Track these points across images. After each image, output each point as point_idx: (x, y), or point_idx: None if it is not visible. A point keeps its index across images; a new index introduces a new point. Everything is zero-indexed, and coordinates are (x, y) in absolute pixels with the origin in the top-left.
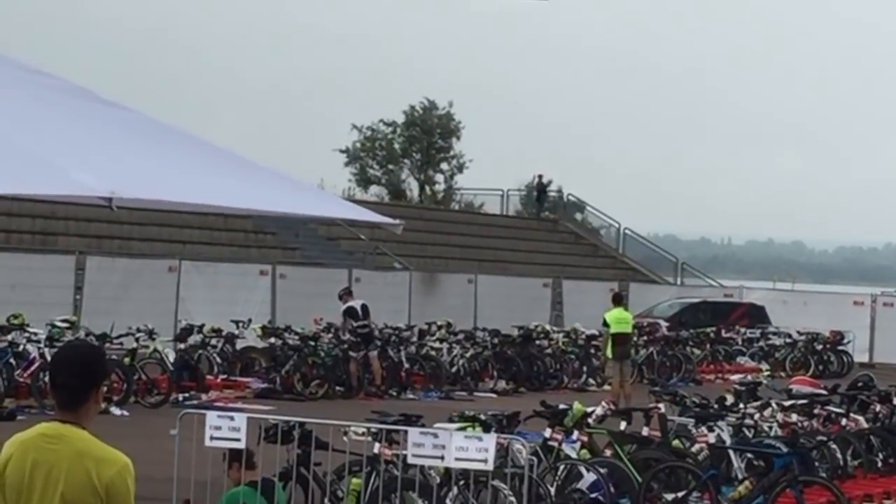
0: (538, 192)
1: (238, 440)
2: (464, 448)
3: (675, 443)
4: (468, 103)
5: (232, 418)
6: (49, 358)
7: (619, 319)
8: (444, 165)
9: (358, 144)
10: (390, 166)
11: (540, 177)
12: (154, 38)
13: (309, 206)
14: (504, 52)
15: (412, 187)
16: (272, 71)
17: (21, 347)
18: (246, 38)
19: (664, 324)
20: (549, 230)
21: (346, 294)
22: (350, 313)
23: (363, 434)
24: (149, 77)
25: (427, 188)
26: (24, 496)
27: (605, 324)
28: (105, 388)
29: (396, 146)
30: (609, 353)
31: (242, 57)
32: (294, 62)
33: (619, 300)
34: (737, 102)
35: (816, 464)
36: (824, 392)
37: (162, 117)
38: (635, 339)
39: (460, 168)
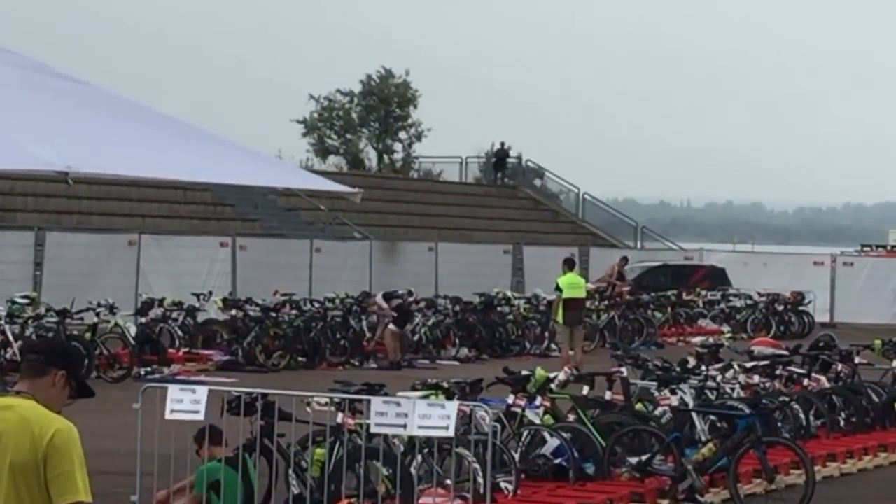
0: (497, 159)
1: (198, 412)
2: (427, 416)
3: (638, 406)
4: (425, 72)
5: (194, 391)
6: (10, 334)
7: (572, 284)
8: (402, 134)
9: (315, 115)
10: (348, 136)
11: (502, 144)
12: (102, 7)
13: (268, 176)
14: (461, 20)
15: (370, 157)
16: (227, 42)
17: None
18: (200, 9)
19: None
20: (508, 197)
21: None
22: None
23: (326, 404)
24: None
25: (385, 157)
26: None
27: (558, 288)
28: (66, 379)
29: (354, 116)
30: (560, 318)
31: (197, 28)
32: (250, 34)
33: (571, 265)
34: (694, 64)
35: (779, 424)
36: (786, 353)
37: (114, 90)
38: (596, 303)
39: (418, 137)
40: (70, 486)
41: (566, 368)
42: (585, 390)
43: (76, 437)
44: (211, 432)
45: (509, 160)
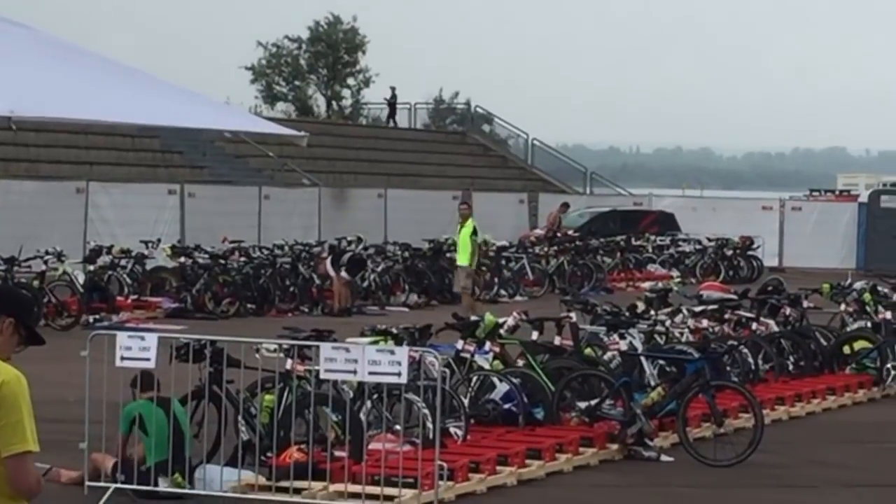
0: (389, 106)
1: (149, 360)
2: (376, 362)
3: (588, 351)
4: (373, 17)
5: (143, 338)
6: None
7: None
8: (350, 81)
9: (263, 61)
10: (297, 82)
11: (392, 90)
12: None
13: (216, 119)
14: None
15: (319, 103)
16: None
17: None
18: None
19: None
20: (457, 143)
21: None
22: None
23: (275, 351)
24: None
25: (334, 104)
26: None
27: (475, 233)
28: (14, 326)
29: (302, 62)
30: (472, 262)
31: None
32: None
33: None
34: (644, 10)
35: (728, 368)
36: (734, 297)
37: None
38: (545, 249)
39: (367, 83)
40: (18, 435)
41: (515, 314)
42: (535, 335)
43: (25, 387)
44: (142, 378)
45: (457, 106)
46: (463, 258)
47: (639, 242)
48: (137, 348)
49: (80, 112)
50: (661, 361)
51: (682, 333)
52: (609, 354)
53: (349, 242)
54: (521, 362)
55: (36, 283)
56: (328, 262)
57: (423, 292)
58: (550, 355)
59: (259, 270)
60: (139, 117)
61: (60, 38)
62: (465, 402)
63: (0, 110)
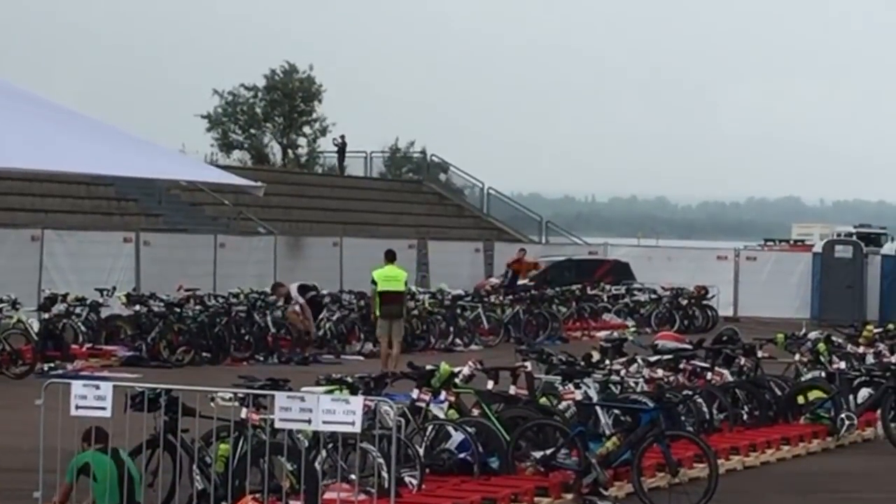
0: (338, 152)
1: (104, 409)
2: (331, 411)
3: (543, 400)
4: (329, 66)
5: (98, 387)
6: None
7: (388, 277)
8: (306, 129)
9: (220, 109)
10: (252, 131)
11: (342, 137)
12: None
13: (171, 169)
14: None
15: (275, 151)
16: (125, 34)
17: None
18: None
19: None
20: (413, 191)
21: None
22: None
23: (230, 399)
24: None
25: (290, 152)
26: None
27: (373, 281)
28: None
29: (258, 110)
30: (377, 311)
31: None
32: (150, 25)
33: (390, 257)
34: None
35: (683, 418)
36: (689, 347)
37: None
38: (500, 298)
39: (323, 132)
40: None
41: (470, 363)
42: (490, 384)
43: None
44: (95, 433)
45: (413, 154)
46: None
47: (594, 291)
48: (92, 397)
49: (34, 162)
50: (616, 411)
51: (636, 383)
52: (564, 404)
53: (313, 286)
54: (476, 412)
55: None
56: (294, 286)
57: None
58: (505, 404)
59: (214, 319)
60: (94, 167)
61: (14, 86)
62: (421, 451)
63: None
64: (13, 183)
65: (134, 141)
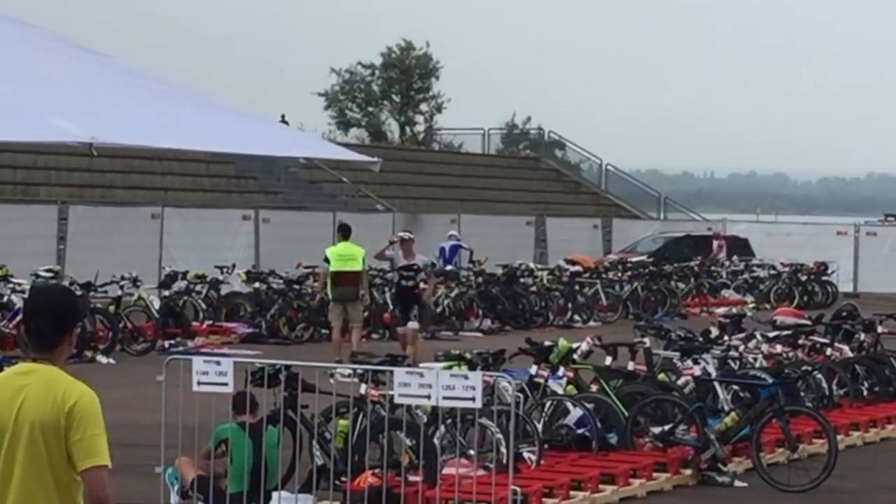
0: None
1: (225, 384)
2: (450, 387)
3: (661, 376)
4: (446, 43)
5: (218, 363)
6: None
7: (341, 256)
8: (423, 106)
9: (337, 88)
10: (370, 108)
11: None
12: None
13: (289, 146)
14: None
15: (392, 129)
16: (247, 12)
17: (5, 298)
18: None
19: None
20: (530, 168)
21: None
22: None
23: (349, 375)
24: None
25: (407, 129)
26: (1, 429)
27: (326, 260)
28: (78, 329)
29: (375, 88)
30: (329, 293)
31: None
32: (270, 3)
33: (345, 232)
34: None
35: (802, 394)
36: (808, 322)
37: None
38: (619, 274)
39: (439, 108)
40: (95, 449)
41: (588, 339)
42: (608, 360)
43: (98, 405)
44: (236, 400)
45: (530, 131)
46: None
47: (713, 268)
48: (214, 373)
49: (157, 139)
50: (735, 387)
51: (755, 359)
52: (683, 380)
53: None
54: (594, 387)
55: (112, 308)
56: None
57: (497, 317)
58: (624, 380)
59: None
60: (216, 144)
61: (133, 66)
62: (539, 427)
63: (82, 136)
64: (134, 161)
65: (254, 118)
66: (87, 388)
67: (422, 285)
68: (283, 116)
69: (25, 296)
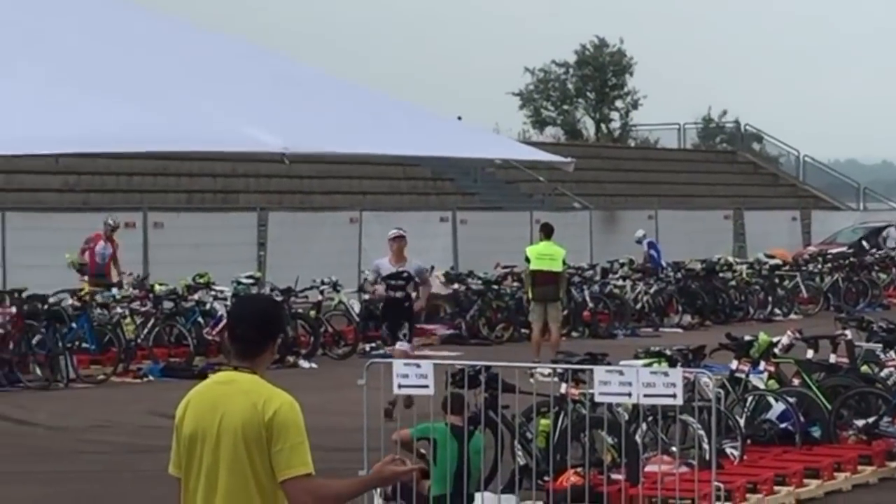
0: None
1: (427, 387)
2: (651, 384)
3: (864, 369)
4: (640, 39)
5: (419, 366)
6: None
7: (542, 255)
8: (618, 103)
9: (531, 87)
10: (565, 107)
11: None
12: None
13: (481, 149)
14: None
15: (588, 126)
16: (438, 14)
17: (208, 306)
18: None
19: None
20: (727, 162)
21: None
22: None
23: (549, 375)
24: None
25: (603, 126)
26: (199, 438)
27: (527, 259)
28: (280, 339)
29: (570, 86)
30: (530, 293)
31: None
32: (463, 3)
33: (547, 232)
34: None
35: None
36: None
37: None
38: (819, 266)
39: (635, 105)
40: (300, 458)
41: (789, 332)
42: (810, 353)
43: (299, 412)
44: (450, 401)
45: (727, 124)
46: None
47: None
48: (414, 375)
49: (351, 145)
50: None
51: None
52: (886, 371)
53: (621, 265)
54: (796, 381)
55: (312, 313)
56: None
57: (697, 312)
58: (826, 373)
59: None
60: (409, 149)
61: (324, 74)
62: (741, 422)
63: (275, 146)
64: (331, 167)
65: (445, 122)
66: (287, 396)
67: (413, 296)
68: (459, 118)
69: (227, 303)
